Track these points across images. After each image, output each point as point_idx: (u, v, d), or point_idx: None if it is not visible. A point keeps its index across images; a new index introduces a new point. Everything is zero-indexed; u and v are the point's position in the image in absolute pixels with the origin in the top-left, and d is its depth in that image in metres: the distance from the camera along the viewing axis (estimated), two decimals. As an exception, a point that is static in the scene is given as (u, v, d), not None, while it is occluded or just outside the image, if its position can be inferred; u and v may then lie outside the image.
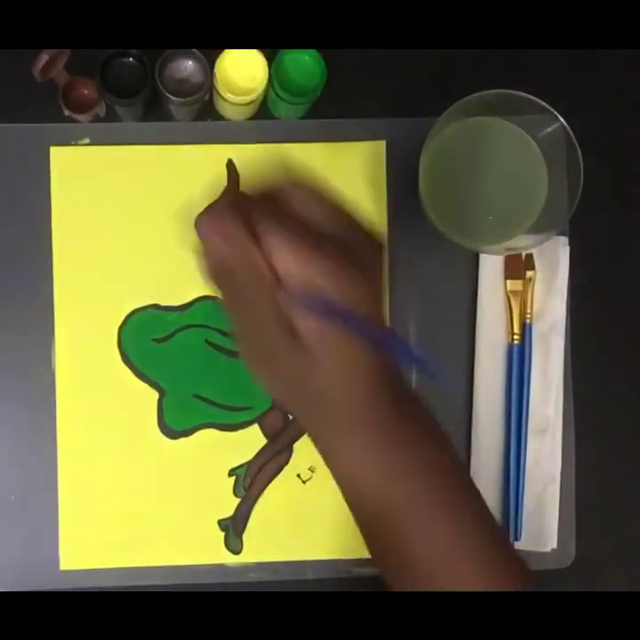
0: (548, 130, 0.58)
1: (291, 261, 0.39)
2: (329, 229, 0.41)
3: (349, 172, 0.65)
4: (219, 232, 0.40)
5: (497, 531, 0.50)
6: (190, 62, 0.62)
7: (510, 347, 0.65)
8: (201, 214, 0.41)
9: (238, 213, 0.40)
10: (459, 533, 0.46)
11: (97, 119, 0.64)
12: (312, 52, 0.61)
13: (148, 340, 0.64)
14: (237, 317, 0.42)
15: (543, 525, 0.64)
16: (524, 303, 0.65)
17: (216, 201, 0.42)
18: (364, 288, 0.41)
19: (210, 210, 0.41)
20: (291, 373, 0.41)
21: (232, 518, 0.64)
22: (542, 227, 0.60)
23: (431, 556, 0.45)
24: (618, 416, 0.66)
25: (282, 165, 0.43)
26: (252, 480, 0.64)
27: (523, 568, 0.48)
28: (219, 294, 0.42)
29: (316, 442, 0.45)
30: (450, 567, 0.45)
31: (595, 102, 0.66)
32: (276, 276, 0.39)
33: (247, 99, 0.61)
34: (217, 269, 0.42)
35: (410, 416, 0.45)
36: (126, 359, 0.64)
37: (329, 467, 0.45)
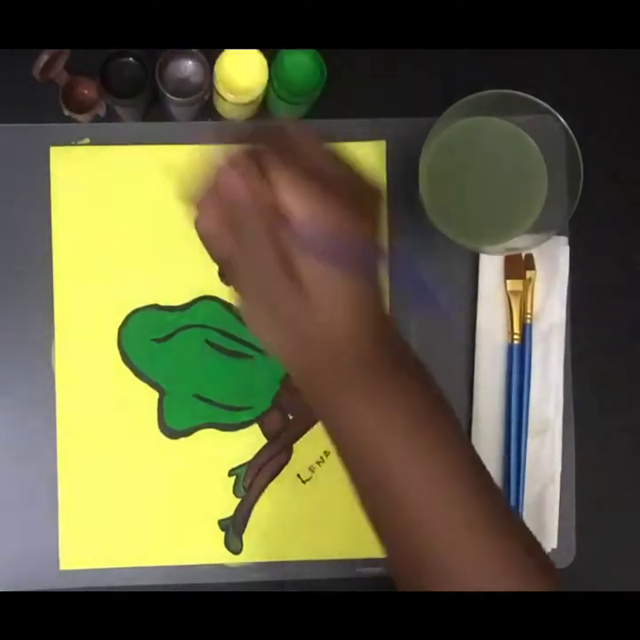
0: (548, 130, 0.58)
1: (296, 197, 0.40)
2: (332, 174, 0.42)
3: (349, 171, 0.65)
4: (237, 171, 0.42)
5: (506, 504, 0.47)
6: (190, 62, 0.62)
7: (510, 347, 0.65)
8: (219, 154, 0.43)
9: (251, 157, 0.42)
10: (466, 503, 0.43)
11: (97, 119, 0.64)
12: (312, 52, 0.61)
13: (148, 340, 0.64)
14: (239, 266, 0.43)
15: (543, 525, 0.64)
16: (524, 303, 0.65)
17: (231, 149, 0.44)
18: (366, 226, 0.42)
19: (226, 153, 0.43)
20: (288, 316, 0.42)
21: (232, 518, 0.64)
22: (542, 227, 0.60)
23: (434, 523, 0.42)
24: (618, 416, 0.66)
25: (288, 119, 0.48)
26: (251, 480, 0.64)
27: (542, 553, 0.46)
28: (217, 248, 0.43)
29: (311, 395, 0.44)
30: (457, 535, 0.43)
31: (595, 102, 0.66)
32: (281, 215, 0.41)
33: (247, 99, 0.61)
34: (223, 218, 0.42)
35: (409, 371, 0.44)
36: (126, 359, 0.64)
37: (324, 424, 0.44)
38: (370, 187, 0.44)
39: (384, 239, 0.44)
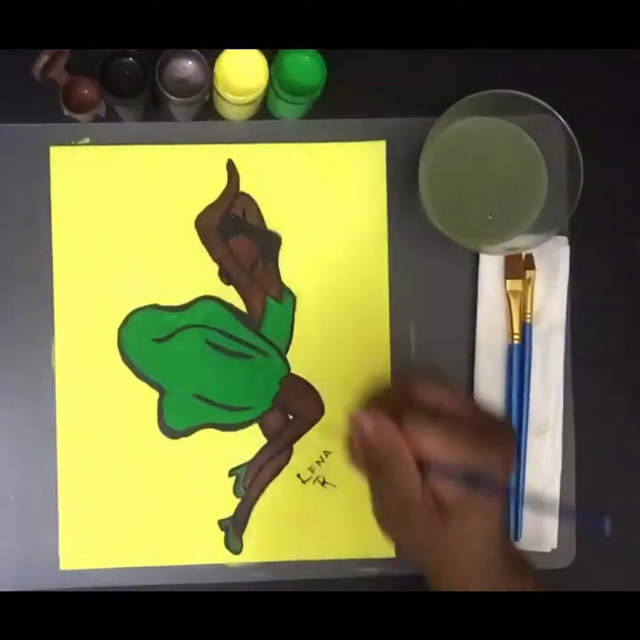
0: (548, 130, 0.58)
1: (434, 443, 0.47)
2: (462, 414, 0.50)
3: (349, 171, 0.65)
4: (374, 428, 0.49)
5: None
6: (190, 62, 0.62)
7: (510, 347, 0.65)
8: (359, 412, 0.49)
9: (387, 410, 0.49)
10: None
11: (97, 119, 0.64)
12: (312, 52, 0.61)
13: (148, 340, 0.64)
14: (381, 496, 0.51)
15: (543, 525, 0.64)
16: (524, 303, 0.65)
17: (370, 400, 0.52)
18: (496, 458, 0.48)
19: (366, 409, 0.50)
20: (426, 532, 0.49)
21: (232, 518, 0.64)
22: (542, 227, 0.60)
23: None
24: (618, 416, 0.66)
25: (409, 366, 0.59)
26: (252, 480, 0.64)
27: None
28: (364, 475, 0.51)
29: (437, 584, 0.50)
30: None
31: (595, 102, 0.66)
32: (418, 457, 0.48)
33: (247, 99, 0.61)
34: (366, 457, 0.50)
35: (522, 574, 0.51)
36: (126, 359, 0.64)
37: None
38: (499, 422, 0.52)
39: (511, 466, 0.51)
